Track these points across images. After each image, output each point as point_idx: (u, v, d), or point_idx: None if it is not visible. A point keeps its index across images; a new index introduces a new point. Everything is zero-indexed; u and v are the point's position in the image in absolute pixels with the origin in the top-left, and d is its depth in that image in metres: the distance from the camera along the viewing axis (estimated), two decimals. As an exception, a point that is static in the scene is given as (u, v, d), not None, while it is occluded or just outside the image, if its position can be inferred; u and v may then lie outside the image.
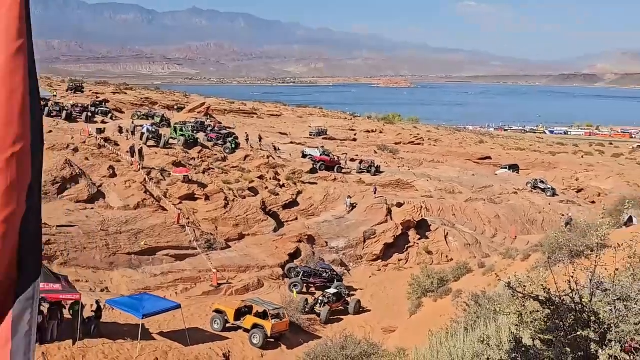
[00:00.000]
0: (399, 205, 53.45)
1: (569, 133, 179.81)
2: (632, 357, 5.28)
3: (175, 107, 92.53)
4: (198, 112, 79.03)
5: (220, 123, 75.14)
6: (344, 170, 62.82)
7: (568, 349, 5.66)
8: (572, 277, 6.02)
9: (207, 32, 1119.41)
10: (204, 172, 50.09)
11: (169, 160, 49.47)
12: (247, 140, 62.66)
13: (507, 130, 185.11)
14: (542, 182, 71.04)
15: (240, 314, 29.90)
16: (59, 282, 23.81)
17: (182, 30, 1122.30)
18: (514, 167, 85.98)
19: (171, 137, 54.76)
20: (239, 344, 28.67)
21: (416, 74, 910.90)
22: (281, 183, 54.12)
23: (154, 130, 53.91)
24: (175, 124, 60.72)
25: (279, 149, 67.17)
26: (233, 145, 58.50)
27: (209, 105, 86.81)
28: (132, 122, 58.03)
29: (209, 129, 63.62)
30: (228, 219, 45.24)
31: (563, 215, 54.49)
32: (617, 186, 76.49)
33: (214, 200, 46.30)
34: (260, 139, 66.42)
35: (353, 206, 52.06)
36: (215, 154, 55.88)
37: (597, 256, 6.26)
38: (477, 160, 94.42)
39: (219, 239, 43.11)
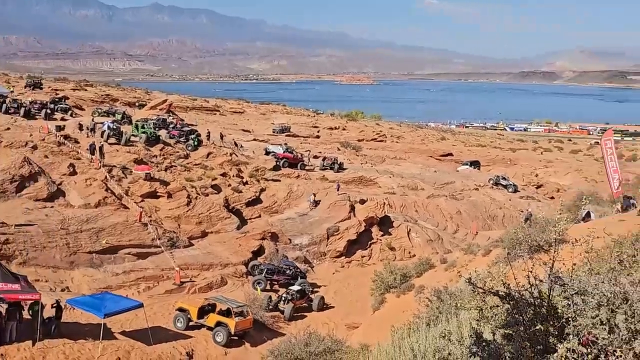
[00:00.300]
0: (362, 201, 53.66)
1: (528, 130, 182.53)
2: (589, 350, 5.36)
3: (137, 104, 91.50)
4: (160, 109, 78.45)
5: (182, 120, 74.55)
6: (307, 167, 62.82)
7: (527, 343, 5.73)
8: (531, 272, 6.09)
9: (168, 29, 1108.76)
10: (166, 170, 49.65)
11: (130, 157, 48.90)
12: (208, 137, 62.23)
13: (468, 127, 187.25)
14: (504, 178, 72.05)
15: (203, 312, 29.75)
16: (18, 282, 23.41)
17: (143, 26, 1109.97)
18: (475, 164, 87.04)
19: (133, 135, 54.18)
20: (203, 342, 28.53)
21: (379, 71, 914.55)
22: (244, 180, 53.91)
23: (115, 127, 53.24)
24: (137, 121, 60.06)
25: (242, 146, 66.88)
26: (195, 143, 58.07)
27: (171, 102, 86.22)
28: (92, 120, 57.19)
29: (171, 126, 63.10)
30: (191, 217, 44.92)
31: (522, 211, 55.36)
32: (575, 182, 78.00)
33: (176, 198, 45.91)
34: (222, 136, 66.00)
35: (316, 203, 52.14)
36: (178, 152, 55.39)
37: (555, 251, 6.35)
38: (438, 156, 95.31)
39: (181, 237, 42.79)
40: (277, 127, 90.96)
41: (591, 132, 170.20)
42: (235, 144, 66.43)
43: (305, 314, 35.16)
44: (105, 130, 51.71)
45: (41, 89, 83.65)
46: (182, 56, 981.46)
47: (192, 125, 71.04)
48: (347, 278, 43.33)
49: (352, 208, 51.67)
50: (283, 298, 34.77)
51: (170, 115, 74.32)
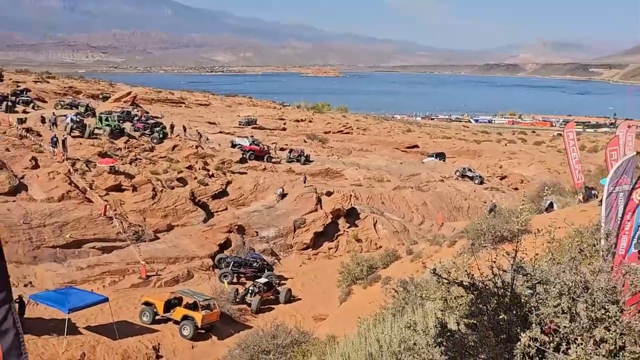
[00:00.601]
0: (329, 194, 53.76)
1: (493, 122, 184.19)
2: (551, 338, 5.45)
3: (101, 96, 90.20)
4: (124, 102, 77.41)
5: (147, 113, 73.77)
6: (273, 160, 62.67)
7: (491, 332, 5.80)
8: (495, 262, 6.17)
9: (132, 20, 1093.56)
10: (131, 163, 49.12)
11: (94, 150, 48.26)
12: (172, 129, 61.64)
13: (433, 119, 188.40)
14: (470, 170, 72.69)
15: (169, 305, 29.60)
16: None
17: (106, 17, 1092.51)
18: (441, 156, 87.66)
19: (96, 127, 53.44)
20: (169, 336, 28.40)
21: (345, 63, 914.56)
22: (210, 173, 53.61)
23: (78, 120, 52.44)
24: (101, 113, 59.24)
25: (207, 139, 66.41)
26: (161, 135, 57.56)
27: (135, 94, 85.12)
28: (53, 113, 56.18)
29: (136, 118, 62.43)
30: (156, 210, 44.54)
31: (486, 202, 56.01)
32: (538, 173, 79.04)
33: (141, 191, 45.46)
34: (185, 129, 65.34)
35: (283, 195, 52.08)
36: (143, 144, 54.84)
37: (518, 241, 6.44)
38: (404, 148, 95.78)
39: (147, 230, 42.41)
40: (244, 119, 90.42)
41: (554, 124, 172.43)
42: (200, 135, 65.86)
43: (273, 306, 35.15)
44: (68, 123, 50.88)
45: (2, 81, 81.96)
46: (146, 48, 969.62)
47: (157, 117, 70.32)
48: (314, 270, 43.41)
49: (319, 200, 51.73)
50: (250, 291, 34.71)
51: (134, 108, 73.43)
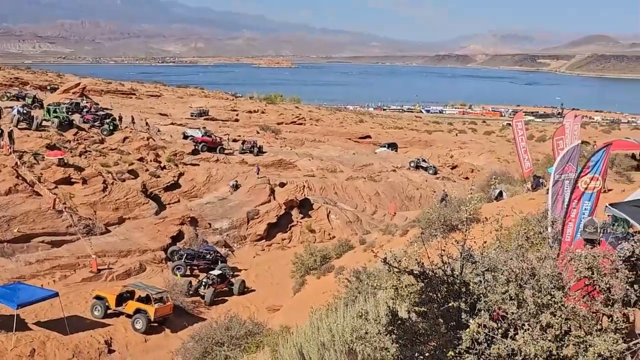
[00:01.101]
0: (282, 185, 53.74)
1: (444, 112, 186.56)
2: (499, 324, 5.53)
3: (49, 87, 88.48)
4: (73, 93, 76.00)
5: (97, 104, 72.52)
6: (226, 151, 62.30)
7: (441, 320, 5.87)
8: (444, 250, 6.23)
9: (81, 10, 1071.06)
10: (80, 155, 48.19)
11: (42, 143, 47.19)
12: (120, 120, 60.53)
13: (385, 109, 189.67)
14: (424, 160, 73.51)
15: (122, 299, 29.25)
16: None
17: (54, 7, 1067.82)
18: (393, 146, 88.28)
19: (44, 119, 52.27)
20: (122, 329, 28.07)
21: (298, 54, 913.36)
22: (162, 165, 53.02)
23: (25, 112, 51.21)
24: (49, 105, 58.01)
25: (159, 131, 65.59)
26: (111, 127, 56.61)
27: (84, 85, 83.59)
28: (-1, 104, 54.82)
29: (85, 110, 61.30)
30: (107, 203, 43.84)
31: (436, 192, 56.68)
32: (488, 162, 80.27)
33: (92, 183, 44.67)
34: (133, 120, 64.25)
35: (236, 187, 51.82)
36: (92, 136, 53.83)
37: (467, 230, 6.51)
38: (357, 139, 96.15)
39: (98, 223, 41.73)
40: (195, 110, 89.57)
41: (503, 114, 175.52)
42: (148, 126, 64.92)
43: (226, 298, 35.02)
44: (15, 115, 49.65)
45: (-56, 72, 79.62)
46: (95, 38, 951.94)
47: (107, 109, 69.12)
48: (267, 261, 43.38)
49: (272, 191, 51.64)
50: (203, 283, 34.52)
51: (84, 99, 72.11)
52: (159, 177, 50.10)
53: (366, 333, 6.32)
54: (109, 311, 29.03)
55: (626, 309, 5.72)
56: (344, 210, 53.27)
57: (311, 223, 50.11)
